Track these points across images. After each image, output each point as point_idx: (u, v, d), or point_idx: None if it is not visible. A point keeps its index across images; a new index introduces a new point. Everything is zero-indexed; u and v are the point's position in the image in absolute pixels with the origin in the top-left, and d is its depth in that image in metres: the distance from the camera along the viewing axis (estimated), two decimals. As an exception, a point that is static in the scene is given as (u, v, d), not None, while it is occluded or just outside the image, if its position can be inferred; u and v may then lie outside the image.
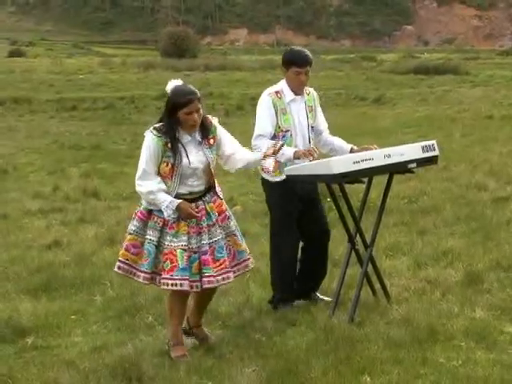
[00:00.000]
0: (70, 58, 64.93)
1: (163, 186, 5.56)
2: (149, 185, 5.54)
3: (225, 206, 5.87)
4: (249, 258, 5.93)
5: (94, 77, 40.18)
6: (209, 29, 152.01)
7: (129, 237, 5.69)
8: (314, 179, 6.19)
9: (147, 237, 5.63)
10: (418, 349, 5.60)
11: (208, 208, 5.70)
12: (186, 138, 5.64)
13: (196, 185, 5.69)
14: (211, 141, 5.74)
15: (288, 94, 6.48)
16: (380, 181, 6.83)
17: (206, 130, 5.72)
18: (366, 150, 6.34)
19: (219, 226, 5.74)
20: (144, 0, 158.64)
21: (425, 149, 6.38)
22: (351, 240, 6.49)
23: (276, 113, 6.40)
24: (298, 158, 6.21)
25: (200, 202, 5.68)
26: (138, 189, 5.61)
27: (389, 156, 6.11)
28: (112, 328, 6.43)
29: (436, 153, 6.48)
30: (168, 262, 5.54)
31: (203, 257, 5.60)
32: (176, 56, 56.68)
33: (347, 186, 6.26)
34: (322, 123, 6.77)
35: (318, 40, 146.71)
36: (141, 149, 5.66)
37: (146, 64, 47.91)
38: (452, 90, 32.56)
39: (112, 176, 14.43)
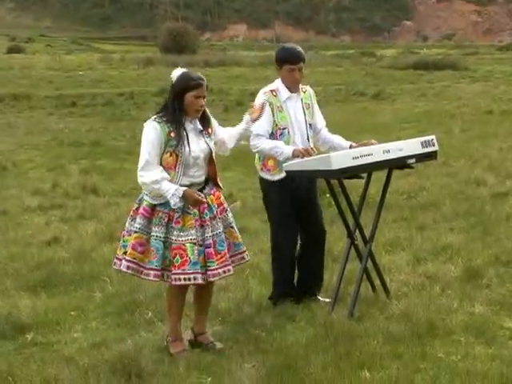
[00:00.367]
0: (69, 54, 64.94)
1: (167, 176, 5.53)
2: (152, 174, 5.50)
3: (222, 198, 5.88)
4: (244, 250, 5.95)
5: (94, 73, 40.18)
6: (208, 24, 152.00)
7: (134, 235, 5.60)
8: (313, 175, 6.20)
9: (153, 234, 5.57)
10: (418, 344, 5.61)
11: (209, 200, 5.70)
12: (188, 125, 5.65)
13: (197, 175, 5.68)
14: (210, 130, 5.79)
15: (283, 92, 6.47)
16: (379, 176, 6.83)
17: (206, 121, 5.77)
18: (365, 145, 6.34)
19: (219, 218, 5.75)
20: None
21: (424, 144, 6.38)
22: (350, 235, 6.49)
23: (272, 111, 6.39)
24: (297, 157, 6.20)
25: (201, 195, 5.65)
26: (141, 180, 5.56)
27: (388, 151, 6.11)
28: (111, 324, 6.44)
29: (435, 148, 6.48)
30: (178, 256, 5.50)
31: (207, 250, 5.60)
32: (175, 52, 56.62)
33: (346, 182, 6.25)
34: (320, 121, 6.76)
35: (317, 35, 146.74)
36: (140, 145, 5.64)
37: (145, 60, 47.88)
38: (451, 85, 32.56)
39: (111, 172, 14.43)
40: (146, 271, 5.58)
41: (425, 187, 11.36)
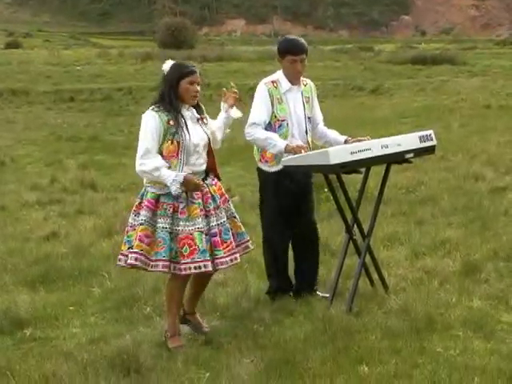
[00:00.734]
0: (68, 49, 64.76)
1: (166, 163, 5.56)
2: (152, 162, 5.52)
3: (223, 189, 5.95)
4: (248, 240, 6.02)
5: (92, 68, 40.08)
6: (206, 19, 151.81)
7: (140, 227, 5.57)
8: (311, 169, 6.20)
9: (159, 225, 5.57)
10: (416, 338, 5.62)
11: (212, 191, 5.76)
12: (186, 113, 5.72)
13: (198, 163, 5.72)
14: (205, 120, 5.88)
15: (284, 84, 6.47)
16: (377, 171, 6.83)
17: (200, 109, 5.88)
18: (360, 141, 6.32)
19: (222, 208, 5.81)
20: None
21: (422, 139, 6.38)
22: (349, 230, 6.49)
23: (272, 102, 6.39)
24: (289, 153, 6.19)
25: (204, 186, 5.70)
26: (140, 168, 5.56)
27: (386, 146, 6.10)
28: (110, 319, 6.44)
29: (433, 143, 6.48)
30: (186, 246, 5.51)
31: (213, 238, 5.65)
32: (174, 47, 56.52)
33: (344, 177, 6.25)
34: (318, 115, 6.76)
35: (315, 30, 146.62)
36: (138, 140, 5.66)
37: (143, 55, 47.69)
38: (449, 80, 32.51)
39: (109, 167, 14.43)
40: (153, 263, 5.57)
41: (423, 182, 11.36)
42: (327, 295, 6.59)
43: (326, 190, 6.71)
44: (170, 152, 5.59)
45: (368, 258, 6.59)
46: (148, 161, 5.53)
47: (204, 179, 5.76)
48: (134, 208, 5.75)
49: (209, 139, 5.81)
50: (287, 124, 6.43)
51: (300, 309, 6.38)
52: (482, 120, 18.86)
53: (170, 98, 5.63)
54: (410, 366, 5.20)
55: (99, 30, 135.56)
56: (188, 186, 5.53)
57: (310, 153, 6.08)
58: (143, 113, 5.71)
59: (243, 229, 6.01)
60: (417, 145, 6.35)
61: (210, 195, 5.72)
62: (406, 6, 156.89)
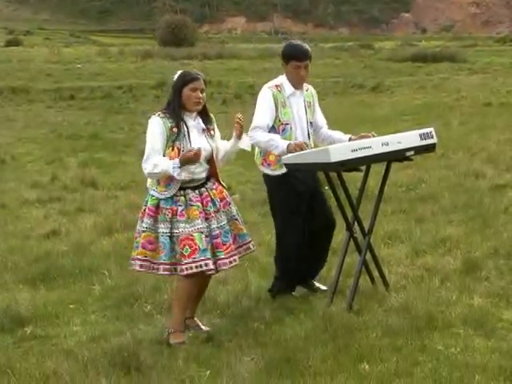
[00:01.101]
0: (68, 47, 64.70)
1: (164, 157, 5.66)
2: (151, 161, 5.65)
3: (225, 193, 6.00)
4: (250, 241, 6.10)
5: (92, 66, 40.05)
6: (206, 17, 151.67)
7: (143, 234, 5.74)
8: (311, 168, 6.19)
9: (160, 230, 5.71)
10: (417, 336, 5.61)
11: (212, 195, 5.84)
12: (190, 122, 5.78)
13: (198, 172, 5.79)
14: (212, 132, 5.93)
15: (288, 88, 6.50)
16: (378, 169, 6.82)
17: (208, 119, 5.91)
18: (364, 137, 6.34)
19: (223, 212, 5.89)
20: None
21: (422, 136, 6.38)
22: (349, 228, 6.49)
23: (276, 106, 6.41)
24: (291, 152, 6.20)
25: (203, 189, 5.82)
26: (145, 172, 5.72)
27: (387, 144, 6.10)
28: (110, 317, 6.44)
29: (434, 140, 6.48)
30: (187, 247, 5.61)
31: (215, 240, 5.75)
32: (174, 45, 56.50)
33: (345, 174, 6.25)
34: (321, 120, 6.79)
35: (315, 28, 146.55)
36: (139, 138, 5.72)
37: (143, 53, 47.69)
38: (450, 77, 32.50)
39: (110, 165, 14.42)
40: (156, 266, 5.74)
41: (423, 179, 11.35)
42: (324, 287, 6.60)
43: (326, 187, 6.69)
44: (171, 158, 5.68)
45: (368, 256, 6.59)
46: (148, 162, 5.66)
47: (204, 183, 5.85)
48: (140, 215, 5.89)
49: (212, 151, 5.87)
50: (291, 128, 6.45)
51: (300, 307, 6.38)
52: (482, 118, 18.84)
53: (174, 105, 5.75)
54: (411, 363, 5.20)
55: (99, 27, 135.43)
56: (189, 161, 5.61)
57: (311, 151, 6.09)
58: (144, 112, 5.79)
59: (245, 230, 6.07)
60: (417, 142, 6.35)
61: (209, 199, 5.81)
62: (406, 3, 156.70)
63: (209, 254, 5.64)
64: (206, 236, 5.69)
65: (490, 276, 6.94)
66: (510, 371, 5.01)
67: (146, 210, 5.77)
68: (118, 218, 9.38)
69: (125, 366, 5.29)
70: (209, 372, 5.24)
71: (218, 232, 5.78)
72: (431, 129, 6.51)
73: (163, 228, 5.69)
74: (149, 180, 5.83)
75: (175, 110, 5.73)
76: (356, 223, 6.54)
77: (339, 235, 7.43)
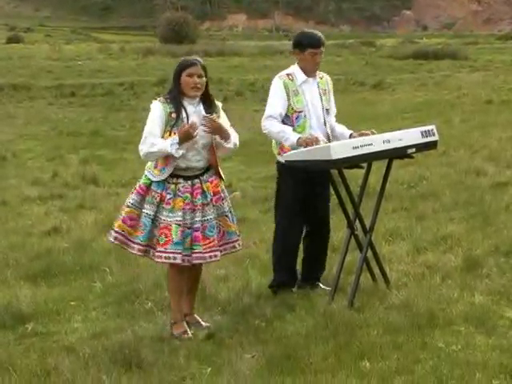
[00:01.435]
0: (69, 44, 64.62)
1: (160, 138, 5.70)
2: (148, 142, 5.70)
3: (221, 188, 5.96)
4: (237, 240, 6.04)
5: (93, 63, 40.02)
6: (207, 14, 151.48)
7: (126, 209, 5.86)
8: (313, 165, 6.18)
9: (144, 210, 5.79)
10: (418, 334, 5.61)
11: (204, 187, 5.83)
12: (190, 108, 5.81)
13: (195, 160, 5.81)
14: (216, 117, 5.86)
15: (299, 76, 6.52)
16: (379, 166, 6.82)
17: (210, 106, 5.90)
18: (364, 135, 6.33)
19: (213, 206, 5.86)
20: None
21: (424, 134, 6.38)
22: (350, 225, 6.49)
23: (288, 95, 6.43)
24: (301, 145, 6.20)
25: (196, 180, 5.82)
26: (141, 154, 5.78)
27: (388, 141, 6.11)
28: (111, 314, 6.44)
29: (435, 138, 6.48)
30: (163, 236, 5.71)
31: (195, 233, 5.75)
32: (175, 42, 56.47)
33: (346, 172, 6.25)
34: (332, 109, 6.78)
35: (317, 25, 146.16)
36: (140, 135, 5.80)
37: (144, 50, 47.64)
38: (451, 75, 32.46)
39: (111, 162, 14.43)
40: (132, 244, 5.83)
41: (425, 177, 11.35)
42: (328, 288, 6.60)
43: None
44: None
45: (369, 253, 6.59)
46: (144, 145, 5.72)
47: (201, 174, 5.85)
48: (132, 188, 5.98)
49: (212, 139, 5.85)
50: (305, 115, 6.46)
51: (301, 304, 6.38)
52: (483, 115, 18.83)
53: (174, 91, 5.80)
54: (412, 361, 5.20)
55: (100, 24, 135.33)
56: (185, 138, 5.65)
57: (312, 148, 6.08)
58: (145, 110, 5.84)
59: (233, 228, 6.02)
60: (419, 140, 6.35)
61: (200, 190, 5.81)
62: (407, 0, 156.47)
63: (180, 248, 5.69)
64: (188, 228, 5.73)
65: (491, 273, 6.93)
66: (511, 369, 5.01)
67: (137, 188, 5.86)
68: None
69: (126, 362, 5.29)
70: (210, 369, 5.24)
71: (199, 225, 5.76)
72: (433, 126, 6.51)
73: (148, 209, 5.77)
74: (148, 163, 5.87)
75: (175, 96, 5.78)
76: (357, 220, 6.53)
77: (340, 233, 7.44)
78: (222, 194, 5.96)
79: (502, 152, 13.21)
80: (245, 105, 23.60)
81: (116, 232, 5.87)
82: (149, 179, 5.81)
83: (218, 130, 5.80)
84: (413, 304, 6.09)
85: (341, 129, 6.72)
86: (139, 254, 5.88)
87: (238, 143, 6.03)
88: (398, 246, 7.98)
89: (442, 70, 34.57)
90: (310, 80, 6.57)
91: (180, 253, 5.70)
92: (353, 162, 5.99)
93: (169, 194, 5.75)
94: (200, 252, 5.75)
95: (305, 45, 6.52)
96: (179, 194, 5.75)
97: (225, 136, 5.85)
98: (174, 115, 5.72)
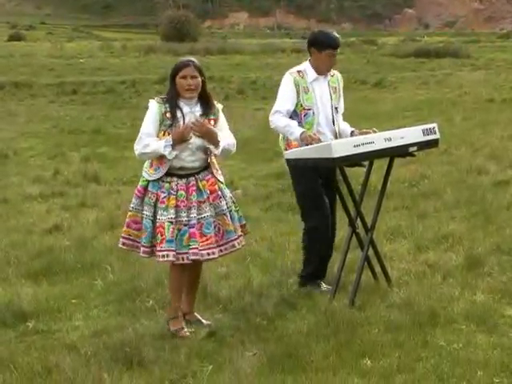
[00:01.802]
0: (70, 41, 64.70)
1: (154, 138, 5.73)
2: (142, 142, 5.76)
3: (218, 186, 5.92)
4: (236, 238, 5.97)
5: (95, 61, 40.02)
6: (209, 12, 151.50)
7: (129, 213, 5.92)
8: (314, 163, 6.18)
9: (144, 212, 5.83)
10: (419, 332, 5.61)
11: (200, 185, 5.82)
12: (185, 108, 5.81)
13: (189, 160, 5.80)
14: (212, 122, 5.85)
15: (311, 74, 6.54)
16: (380, 164, 6.82)
17: (207, 107, 5.88)
18: (366, 134, 6.33)
19: (210, 204, 5.83)
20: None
21: (425, 132, 6.38)
22: (352, 224, 6.49)
23: (298, 91, 6.45)
24: (303, 141, 6.21)
25: (192, 178, 5.81)
26: (136, 154, 5.85)
27: (389, 139, 6.10)
28: (113, 312, 6.44)
29: (437, 136, 6.48)
30: (159, 235, 5.74)
31: (191, 230, 5.73)
32: (176, 40, 56.45)
33: (347, 170, 6.25)
34: (340, 107, 6.77)
35: (318, 23, 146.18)
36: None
37: (146, 48, 47.68)
38: (453, 73, 32.46)
39: (112, 160, 14.41)
40: (139, 246, 5.87)
41: (426, 175, 11.34)
42: (330, 287, 6.60)
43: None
44: None
45: (371, 252, 6.59)
46: (139, 145, 5.79)
47: (197, 173, 5.84)
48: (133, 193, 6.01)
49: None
50: (313, 113, 6.48)
51: (303, 302, 6.37)
52: (485, 113, 18.82)
53: (171, 93, 5.82)
54: (413, 359, 5.20)
55: (102, 22, 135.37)
56: (179, 140, 5.66)
57: (313, 146, 6.08)
58: (147, 108, 5.87)
59: (232, 227, 5.93)
60: (420, 138, 6.35)
61: (195, 188, 5.80)
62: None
63: (173, 245, 5.69)
64: (185, 225, 5.72)
65: (492, 272, 6.94)
66: (512, 367, 5.01)
67: (136, 191, 5.90)
68: (121, 213, 9.36)
69: (127, 360, 5.29)
70: (211, 367, 5.24)
71: (195, 222, 5.73)
72: (434, 124, 6.51)
73: (147, 211, 5.81)
74: (145, 163, 5.90)
75: (172, 97, 5.79)
76: (358, 219, 6.53)
77: (341, 231, 7.43)
78: (220, 193, 5.91)
79: (504, 150, 13.21)
80: (246, 103, 23.61)
81: (123, 238, 5.93)
82: (145, 180, 5.85)
83: (206, 135, 5.73)
84: (414, 302, 6.09)
85: (343, 125, 6.73)
86: (145, 255, 5.88)
87: (232, 149, 5.97)
88: (400, 244, 7.99)
89: (443, 69, 34.57)
90: (321, 78, 6.58)
91: (173, 250, 5.69)
92: (354, 160, 5.98)
93: (163, 192, 5.76)
94: (196, 248, 5.72)
95: (324, 45, 6.52)
96: (172, 192, 5.75)
97: (213, 142, 5.76)
98: (168, 115, 5.74)
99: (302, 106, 6.47)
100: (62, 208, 10.48)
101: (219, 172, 5.98)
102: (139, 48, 48.36)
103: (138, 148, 5.79)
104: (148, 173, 5.84)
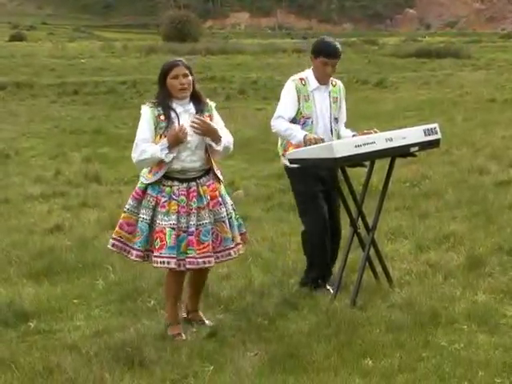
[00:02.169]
0: (72, 42, 64.73)
1: (150, 143, 5.68)
2: (138, 148, 5.71)
3: (219, 192, 5.85)
4: (233, 247, 5.87)
5: (96, 61, 40.03)
6: (210, 12, 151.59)
7: (123, 215, 5.82)
8: (316, 163, 6.18)
9: (140, 215, 5.72)
10: (420, 332, 5.61)
11: (201, 191, 5.74)
12: (178, 108, 5.75)
13: (189, 160, 5.72)
14: (207, 119, 5.79)
15: (312, 82, 6.52)
16: (382, 165, 6.82)
17: (200, 104, 5.82)
18: (367, 134, 6.33)
19: (209, 211, 5.76)
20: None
21: (427, 132, 6.37)
22: (353, 224, 6.49)
23: (298, 98, 6.43)
24: (307, 143, 6.20)
25: (193, 183, 5.72)
26: (134, 162, 5.77)
27: (391, 140, 6.10)
28: (114, 312, 6.44)
29: (438, 136, 6.47)
30: (158, 240, 5.63)
31: (189, 237, 5.66)
32: (177, 40, 56.45)
33: (348, 170, 6.25)
34: (341, 117, 6.76)
35: (319, 23, 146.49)
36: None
37: (147, 48, 47.66)
38: (454, 73, 32.47)
39: (113, 160, 14.42)
40: (131, 251, 5.76)
41: (427, 175, 11.34)
42: (331, 287, 6.60)
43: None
44: None
45: (372, 252, 6.59)
46: (136, 152, 5.74)
47: (198, 178, 5.76)
48: (131, 194, 5.92)
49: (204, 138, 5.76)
50: (312, 122, 6.47)
51: (304, 302, 6.37)
52: (486, 113, 18.82)
53: (161, 93, 5.77)
54: (414, 359, 5.20)
55: (103, 23, 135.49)
56: (175, 142, 5.60)
57: (315, 146, 6.08)
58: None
59: (229, 235, 5.85)
60: (421, 138, 6.34)
61: (196, 194, 5.71)
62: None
63: (175, 252, 5.61)
64: (184, 231, 5.65)
65: (493, 272, 6.93)
66: (514, 367, 5.01)
67: (133, 192, 5.81)
68: (122, 212, 9.37)
69: (128, 360, 5.30)
70: (212, 367, 5.24)
71: (194, 229, 5.65)
72: (435, 124, 6.51)
73: (144, 214, 5.70)
74: (143, 169, 5.83)
75: (164, 99, 5.73)
76: (360, 219, 6.53)
77: (343, 231, 7.43)
78: (220, 199, 5.84)
79: (505, 150, 13.21)
80: (247, 103, 23.62)
81: (114, 239, 5.81)
82: (144, 184, 5.77)
83: (207, 132, 5.68)
84: (415, 302, 6.09)
85: (344, 132, 6.72)
86: (138, 259, 5.78)
87: (231, 146, 5.89)
88: (401, 244, 7.99)
89: (444, 69, 34.58)
90: (323, 88, 6.55)
91: (175, 257, 5.61)
92: (355, 160, 5.98)
93: (164, 196, 5.67)
94: (193, 257, 5.64)
95: (318, 52, 6.50)
96: (174, 197, 5.67)
97: (215, 138, 5.71)
98: (162, 117, 5.67)
99: (301, 113, 6.46)
100: (64, 208, 10.49)
101: (219, 171, 5.93)
102: (140, 48, 48.35)
103: (135, 156, 5.72)
104: (146, 177, 5.76)
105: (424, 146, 6.43)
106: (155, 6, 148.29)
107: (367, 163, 6.46)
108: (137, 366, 5.25)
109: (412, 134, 6.32)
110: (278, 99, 6.68)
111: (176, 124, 5.66)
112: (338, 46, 6.53)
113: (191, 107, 5.79)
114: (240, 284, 6.86)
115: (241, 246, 5.96)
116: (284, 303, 6.37)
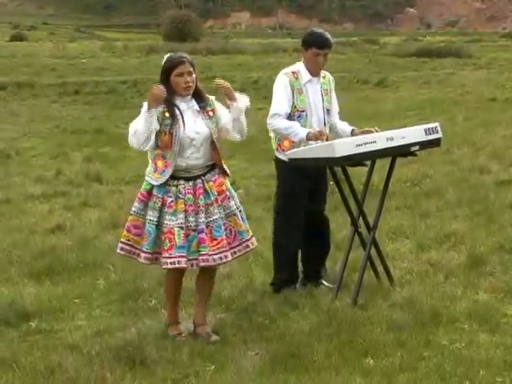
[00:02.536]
0: (72, 42, 64.72)
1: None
2: (131, 130, 5.80)
3: (226, 186, 5.83)
4: (249, 239, 5.87)
5: (97, 61, 40.02)
6: (210, 12, 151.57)
7: (129, 218, 5.76)
8: (316, 162, 6.18)
9: (147, 217, 5.66)
10: (421, 331, 5.61)
11: (207, 187, 5.70)
12: (182, 105, 5.72)
13: (194, 157, 5.68)
14: (210, 113, 5.79)
15: (304, 75, 6.51)
16: (382, 164, 6.82)
17: (202, 101, 5.79)
18: (367, 133, 6.33)
19: (218, 206, 5.72)
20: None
21: (428, 131, 6.38)
22: (354, 223, 6.49)
23: (292, 92, 6.42)
24: (311, 140, 6.21)
25: (198, 181, 5.69)
26: (131, 145, 5.81)
27: (392, 139, 6.10)
28: (115, 312, 6.45)
29: (439, 135, 6.48)
30: (167, 241, 5.57)
31: (200, 235, 5.61)
32: (178, 40, 56.42)
33: (349, 169, 6.25)
34: (334, 108, 6.76)
35: (320, 23, 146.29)
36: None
37: (148, 48, 47.64)
38: (455, 72, 32.44)
39: (114, 160, 14.43)
40: (138, 252, 5.72)
41: (428, 175, 11.34)
42: (331, 285, 6.60)
43: (331, 182, 6.70)
44: (164, 143, 5.64)
45: (373, 251, 6.59)
46: (129, 133, 5.78)
47: (203, 174, 5.73)
48: (136, 197, 5.86)
49: (210, 133, 5.73)
50: (306, 115, 6.45)
51: (305, 302, 6.37)
52: (487, 113, 18.81)
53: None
54: (415, 358, 5.20)
55: (103, 22, 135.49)
56: (154, 101, 5.60)
57: (316, 145, 6.08)
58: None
59: (243, 227, 5.84)
60: (422, 137, 6.34)
61: (202, 190, 5.67)
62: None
63: (184, 251, 5.55)
64: (194, 230, 5.60)
65: (494, 271, 6.94)
66: (515, 366, 5.01)
67: (139, 195, 5.75)
68: (123, 212, 9.35)
69: (129, 360, 5.30)
70: (213, 366, 5.24)
71: (204, 226, 5.61)
72: (436, 124, 6.51)
73: (151, 215, 5.64)
74: (147, 168, 5.78)
75: (167, 96, 5.64)
76: (361, 218, 6.53)
77: (344, 230, 7.44)
78: (228, 193, 5.81)
79: (506, 150, 13.21)
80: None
81: (122, 242, 5.75)
82: (150, 184, 5.70)
83: (229, 92, 5.79)
84: (416, 301, 6.09)
85: (342, 125, 6.72)
86: (146, 262, 5.73)
87: (245, 129, 5.94)
88: (402, 243, 7.99)
89: (445, 68, 34.55)
90: (315, 80, 6.55)
91: (184, 256, 5.55)
92: (356, 159, 5.98)
93: (170, 197, 5.62)
94: (207, 254, 5.58)
95: (310, 43, 6.51)
96: (180, 196, 5.62)
97: (231, 97, 5.81)
98: (166, 114, 5.63)
99: (295, 107, 6.44)
100: (65, 208, 10.49)
101: (226, 166, 5.88)
102: (141, 48, 48.32)
103: (130, 139, 5.77)
104: (153, 177, 5.68)
105: (425, 145, 6.44)
106: (156, 5, 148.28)
107: (368, 162, 6.46)
108: (138, 365, 5.25)
109: (413, 134, 6.32)
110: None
111: (181, 122, 5.64)
112: (328, 36, 6.57)
113: (194, 104, 5.76)
114: (241, 283, 6.86)
115: (254, 237, 5.93)
116: (285, 302, 6.37)
